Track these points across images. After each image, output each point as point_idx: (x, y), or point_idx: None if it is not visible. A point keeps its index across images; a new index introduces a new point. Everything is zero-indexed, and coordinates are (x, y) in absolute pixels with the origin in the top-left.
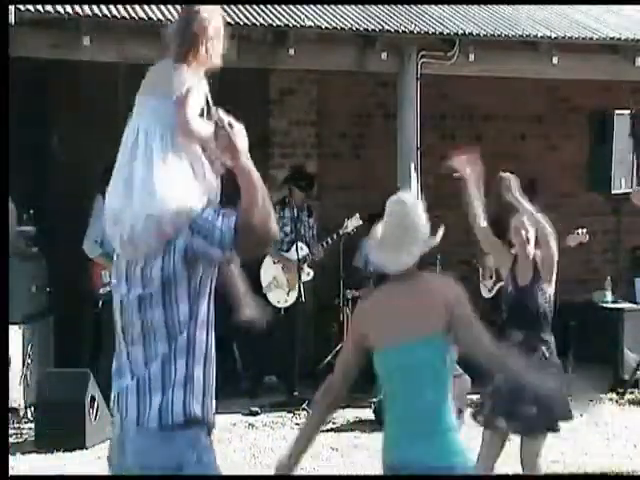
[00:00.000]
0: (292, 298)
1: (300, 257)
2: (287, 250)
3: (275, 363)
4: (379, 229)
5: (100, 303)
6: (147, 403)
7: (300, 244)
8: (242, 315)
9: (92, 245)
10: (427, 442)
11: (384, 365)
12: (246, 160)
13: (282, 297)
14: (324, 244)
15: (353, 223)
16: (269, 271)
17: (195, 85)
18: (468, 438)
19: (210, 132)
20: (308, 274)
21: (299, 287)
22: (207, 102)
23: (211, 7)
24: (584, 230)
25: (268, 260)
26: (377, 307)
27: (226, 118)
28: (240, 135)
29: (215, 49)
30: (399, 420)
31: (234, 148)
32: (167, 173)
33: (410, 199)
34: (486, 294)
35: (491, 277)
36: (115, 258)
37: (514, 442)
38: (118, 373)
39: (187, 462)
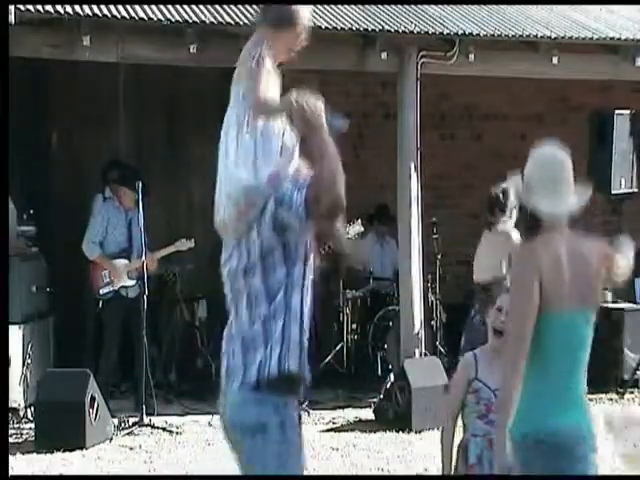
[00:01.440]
0: None
1: None
2: None
3: None
4: (532, 176)
5: (100, 303)
6: (250, 359)
7: None
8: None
9: (91, 246)
10: (583, 411)
11: (552, 327)
12: (320, 134)
13: None
14: (324, 249)
15: (355, 229)
16: None
17: (271, 68)
18: None
19: (282, 105)
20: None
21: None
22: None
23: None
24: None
25: None
26: (552, 261)
27: (302, 94)
28: (316, 109)
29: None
30: (555, 389)
31: (308, 121)
32: (241, 154)
33: (563, 154)
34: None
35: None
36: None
37: None
38: (228, 340)
39: (270, 425)
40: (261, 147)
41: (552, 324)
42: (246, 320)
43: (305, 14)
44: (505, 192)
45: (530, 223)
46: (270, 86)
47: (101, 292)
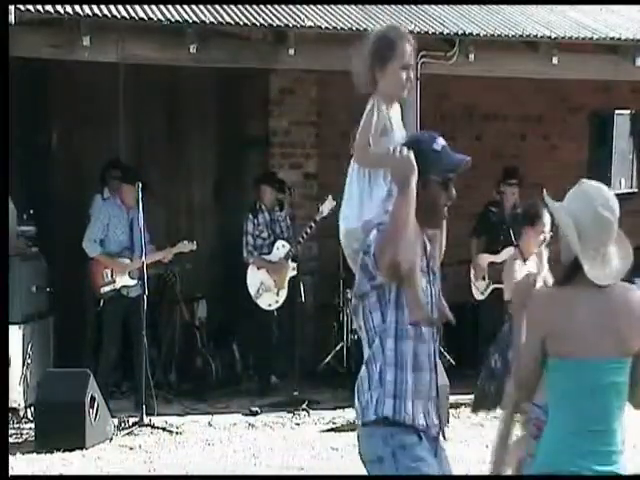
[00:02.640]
0: (282, 297)
1: (283, 255)
2: (268, 252)
3: (275, 363)
4: (585, 228)
5: (101, 302)
6: (359, 398)
7: (281, 242)
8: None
9: (92, 244)
10: (611, 460)
11: (571, 376)
12: (405, 194)
13: (272, 299)
14: (304, 235)
15: (327, 206)
16: (255, 278)
17: (379, 112)
18: (465, 437)
19: (382, 159)
20: (293, 269)
21: (299, 285)
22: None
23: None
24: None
25: (252, 268)
26: (573, 308)
27: (403, 152)
28: (408, 169)
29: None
30: (579, 434)
31: (399, 179)
32: (350, 201)
33: (616, 204)
34: (478, 296)
35: (484, 278)
36: None
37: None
38: None
39: (384, 456)
40: (368, 193)
41: (569, 369)
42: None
43: (405, 37)
44: (537, 215)
45: (569, 271)
46: (384, 131)
47: (102, 291)
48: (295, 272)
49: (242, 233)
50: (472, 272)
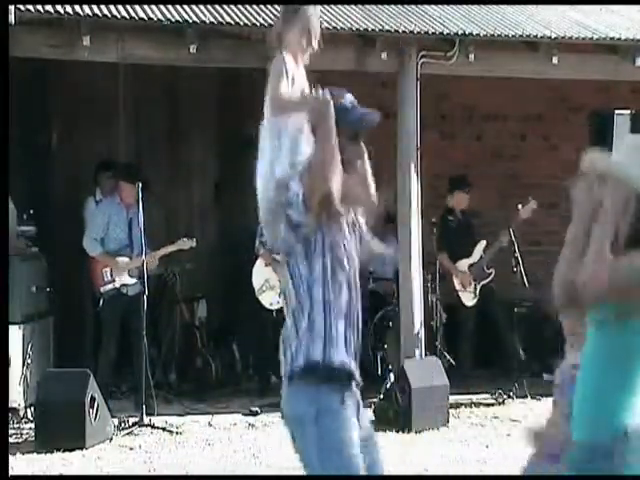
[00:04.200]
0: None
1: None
2: (278, 252)
3: (275, 363)
4: None
5: (101, 301)
6: (287, 354)
7: None
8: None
9: (93, 243)
10: None
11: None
12: (325, 125)
13: (274, 299)
14: None
15: None
16: (261, 273)
17: (291, 68)
18: (465, 437)
19: (298, 103)
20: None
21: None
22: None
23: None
24: (530, 198)
25: (260, 263)
26: None
27: (318, 92)
28: (325, 106)
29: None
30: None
31: (317, 116)
32: (262, 158)
33: None
34: (470, 302)
35: (470, 283)
36: None
37: (522, 441)
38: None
39: (306, 417)
40: (277, 149)
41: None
42: (286, 317)
43: (309, 7)
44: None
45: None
46: (290, 85)
47: (102, 290)
48: None
49: (252, 225)
50: (457, 282)
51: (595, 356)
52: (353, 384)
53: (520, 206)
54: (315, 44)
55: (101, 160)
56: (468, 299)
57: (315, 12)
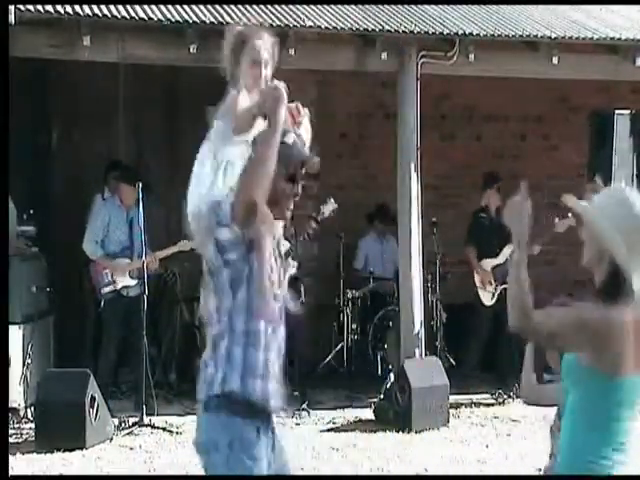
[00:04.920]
0: (282, 294)
1: (283, 252)
2: None
3: None
4: (631, 238)
5: (102, 303)
6: (203, 380)
7: (281, 240)
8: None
9: (93, 246)
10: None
11: (629, 392)
12: (269, 135)
13: None
14: (304, 235)
15: (329, 208)
16: None
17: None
18: (464, 438)
19: (255, 107)
20: (293, 267)
21: (299, 286)
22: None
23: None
24: (569, 215)
25: None
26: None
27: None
28: (276, 97)
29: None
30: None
31: (271, 102)
32: (199, 183)
33: None
34: (488, 301)
35: (491, 283)
36: None
37: (525, 442)
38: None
39: (220, 444)
40: (217, 176)
41: (618, 387)
42: (207, 341)
43: (257, 33)
44: None
45: (613, 287)
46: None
47: (103, 292)
48: (295, 270)
49: None
50: (477, 279)
51: (572, 412)
52: (271, 417)
53: (557, 219)
54: (268, 74)
55: (111, 160)
56: (487, 299)
57: (264, 42)
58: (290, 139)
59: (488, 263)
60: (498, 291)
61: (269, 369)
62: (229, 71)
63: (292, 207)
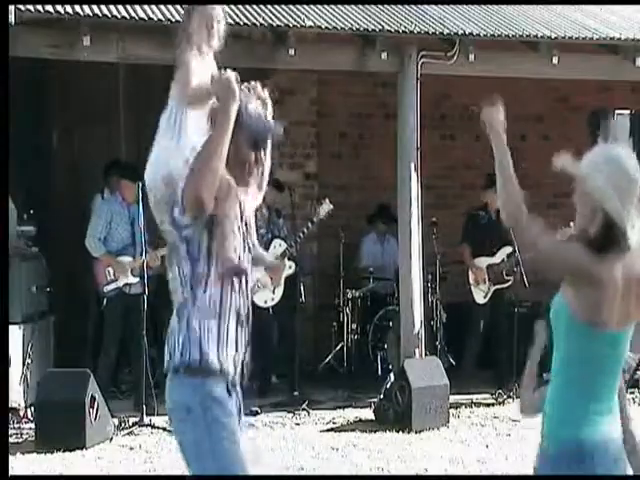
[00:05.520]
0: (278, 295)
1: (280, 253)
2: (265, 250)
3: (275, 363)
4: (621, 186)
5: (104, 300)
6: (171, 349)
7: (278, 241)
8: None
9: (96, 243)
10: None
11: (612, 344)
12: (220, 127)
13: (268, 296)
14: (300, 235)
15: (324, 209)
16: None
17: (198, 62)
18: (464, 438)
19: (205, 89)
20: (290, 267)
21: (299, 285)
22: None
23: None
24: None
25: None
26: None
27: (225, 75)
28: (228, 92)
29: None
30: (599, 402)
31: (222, 93)
32: (157, 143)
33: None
34: (481, 300)
35: (484, 281)
36: None
37: (525, 442)
38: None
39: (192, 406)
40: (176, 141)
41: (601, 341)
42: (174, 311)
43: (213, 5)
44: None
45: (605, 239)
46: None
47: (105, 289)
48: (292, 271)
49: None
50: (471, 277)
51: (561, 363)
52: (235, 381)
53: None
54: (219, 39)
55: (111, 160)
56: (479, 296)
57: (217, 10)
58: (253, 108)
59: (483, 261)
60: (491, 290)
61: (235, 338)
62: (182, 30)
63: (256, 174)
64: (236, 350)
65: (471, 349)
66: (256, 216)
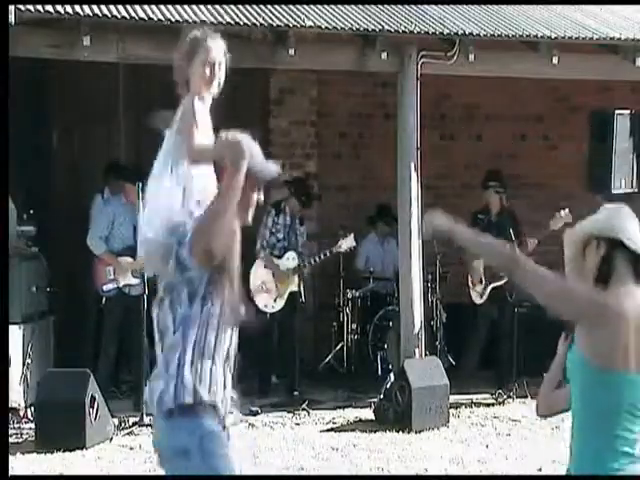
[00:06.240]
0: (279, 305)
1: (291, 267)
2: (279, 256)
3: (275, 363)
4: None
5: (104, 300)
6: (152, 390)
7: (292, 254)
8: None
9: (98, 241)
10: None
11: (621, 386)
12: (231, 183)
13: (269, 302)
14: (316, 259)
15: (347, 244)
16: (258, 276)
17: (202, 111)
18: (463, 438)
19: (213, 152)
20: (296, 285)
21: (300, 290)
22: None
23: (211, 34)
24: (566, 211)
25: (259, 263)
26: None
27: (234, 136)
28: (239, 153)
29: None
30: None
31: (231, 164)
32: (157, 198)
33: None
34: (478, 300)
35: (481, 282)
36: None
37: (525, 442)
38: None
39: (191, 447)
40: (178, 191)
41: (620, 383)
42: (160, 353)
43: (209, 39)
44: None
45: (605, 271)
46: (201, 133)
47: (105, 289)
48: (296, 289)
49: (251, 225)
50: (469, 278)
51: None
52: (224, 420)
53: (561, 213)
54: (220, 76)
55: (111, 161)
56: (476, 297)
57: (215, 43)
58: (257, 153)
59: (480, 262)
60: (488, 289)
61: (222, 380)
62: (180, 74)
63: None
64: (224, 388)
65: (472, 349)
66: (274, 221)
